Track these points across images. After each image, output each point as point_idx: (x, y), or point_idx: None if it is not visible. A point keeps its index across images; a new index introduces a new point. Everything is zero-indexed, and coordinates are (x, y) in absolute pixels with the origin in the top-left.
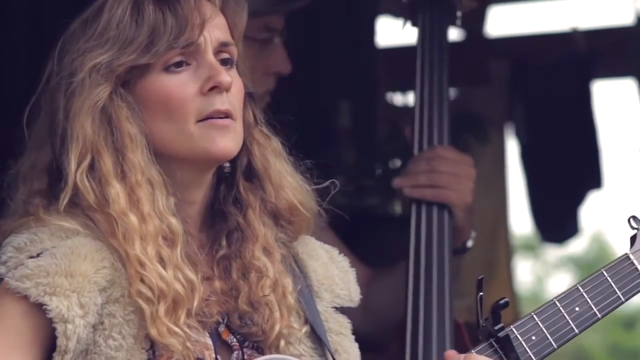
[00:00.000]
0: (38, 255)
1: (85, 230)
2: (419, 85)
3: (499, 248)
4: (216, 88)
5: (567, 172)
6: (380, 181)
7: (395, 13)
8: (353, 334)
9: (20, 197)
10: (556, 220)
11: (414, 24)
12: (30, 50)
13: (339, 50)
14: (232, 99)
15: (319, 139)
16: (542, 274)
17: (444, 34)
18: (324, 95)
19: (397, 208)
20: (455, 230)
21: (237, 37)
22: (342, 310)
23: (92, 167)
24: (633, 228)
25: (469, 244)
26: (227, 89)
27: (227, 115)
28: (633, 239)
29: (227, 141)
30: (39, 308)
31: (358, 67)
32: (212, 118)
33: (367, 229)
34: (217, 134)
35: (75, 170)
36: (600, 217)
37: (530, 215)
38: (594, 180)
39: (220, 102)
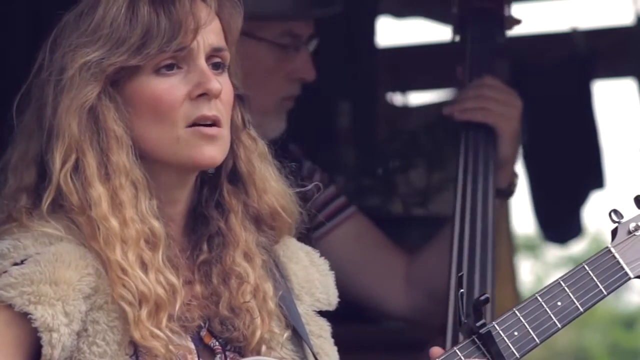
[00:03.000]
0: (22, 262)
1: (68, 235)
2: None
3: (501, 247)
4: (205, 95)
5: (568, 172)
6: (380, 181)
7: (395, 13)
8: (333, 336)
9: (8, 193)
10: (559, 221)
11: (462, 36)
12: (30, 49)
13: (339, 50)
14: (220, 106)
15: (319, 139)
16: (542, 274)
17: (492, 47)
18: (323, 95)
19: (397, 208)
20: (501, 162)
21: (231, 41)
22: (322, 313)
23: (76, 168)
24: (614, 222)
25: (514, 187)
26: (216, 96)
27: (214, 121)
28: (614, 233)
29: (213, 150)
30: (24, 317)
31: (358, 67)
32: (199, 125)
33: None
34: (204, 142)
35: (60, 170)
36: (601, 217)
37: (533, 215)
38: (595, 180)
39: (208, 109)
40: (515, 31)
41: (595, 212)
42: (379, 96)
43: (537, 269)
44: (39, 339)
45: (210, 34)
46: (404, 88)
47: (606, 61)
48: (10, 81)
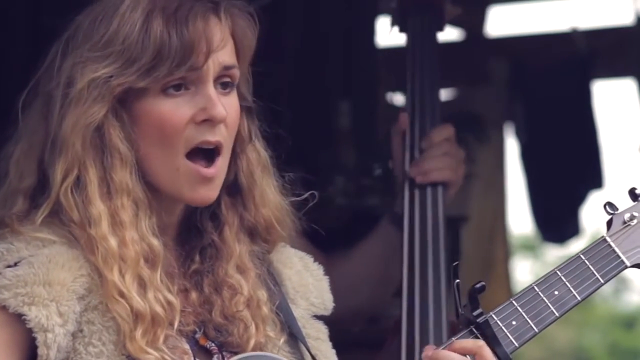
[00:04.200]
0: (15, 264)
1: (61, 239)
2: (410, 91)
3: (497, 248)
4: (209, 121)
5: (567, 172)
6: (380, 181)
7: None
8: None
9: (6, 191)
10: (556, 220)
11: (402, 30)
12: (30, 50)
13: (339, 50)
14: (225, 130)
15: (319, 139)
16: (541, 274)
17: (433, 39)
18: (323, 95)
19: (397, 208)
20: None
21: (242, 58)
22: (317, 318)
23: (77, 183)
24: (609, 213)
25: None
26: (221, 122)
27: (216, 146)
28: (609, 224)
29: (207, 191)
30: (18, 318)
31: (358, 67)
32: (199, 159)
33: (367, 229)
34: (200, 184)
35: (60, 185)
36: (600, 217)
37: (530, 215)
38: (594, 180)
39: (212, 135)
40: (515, 31)
41: (594, 212)
42: (379, 96)
43: (536, 269)
44: (34, 339)
45: (221, 54)
46: (404, 88)
47: (606, 61)
48: (9, 81)
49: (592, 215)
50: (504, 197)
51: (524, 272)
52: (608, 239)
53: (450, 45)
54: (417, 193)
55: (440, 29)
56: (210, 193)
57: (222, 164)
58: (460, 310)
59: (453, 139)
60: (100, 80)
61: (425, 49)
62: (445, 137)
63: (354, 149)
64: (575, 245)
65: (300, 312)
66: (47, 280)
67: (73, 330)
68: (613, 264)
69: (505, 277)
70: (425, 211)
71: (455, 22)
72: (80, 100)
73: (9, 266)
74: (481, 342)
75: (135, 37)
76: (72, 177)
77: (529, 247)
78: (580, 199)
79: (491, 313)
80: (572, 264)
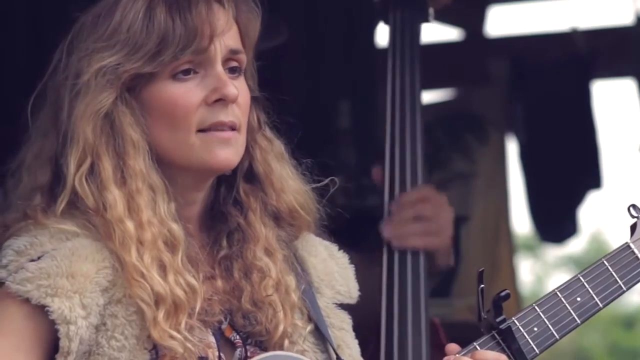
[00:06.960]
0: (38, 258)
1: (84, 231)
2: (390, 87)
3: (501, 247)
4: (221, 100)
5: (566, 172)
6: None
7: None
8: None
9: (22, 192)
10: (555, 220)
11: (386, 22)
12: (31, 50)
13: (339, 50)
14: (238, 111)
15: (319, 139)
16: (542, 274)
17: (416, 32)
18: (324, 95)
19: None
20: (435, 269)
21: (248, 46)
22: (342, 306)
23: (91, 171)
24: (633, 216)
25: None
26: (233, 102)
27: (231, 127)
28: (633, 228)
29: (227, 153)
30: (41, 310)
31: (358, 67)
32: (214, 130)
33: (367, 229)
34: (218, 146)
35: (74, 174)
36: (600, 216)
37: (529, 215)
38: (593, 180)
39: (225, 115)
40: (515, 31)
41: (594, 212)
42: (379, 96)
43: (537, 269)
44: (56, 331)
45: (227, 38)
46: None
47: (606, 61)
48: (10, 81)
49: (592, 215)
50: (507, 197)
51: (524, 272)
52: (632, 245)
53: (450, 45)
54: (396, 254)
55: (425, 20)
56: (230, 156)
57: (239, 135)
58: (483, 314)
59: (432, 200)
60: (107, 68)
61: (407, 42)
62: (417, 199)
63: (354, 149)
64: (577, 245)
65: (325, 302)
66: (70, 272)
67: (96, 323)
68: (636, 271)
69: (511, 276)
70: (405, 273)
71: (452, 20)
72: (88, 89)
73: (32, 260)
74: (504, 358)
75: (139, 25)
76: (86, 166)
77: (529, 247)
78: (578, 198)
79: (514, 318)
80: (595, 270)
